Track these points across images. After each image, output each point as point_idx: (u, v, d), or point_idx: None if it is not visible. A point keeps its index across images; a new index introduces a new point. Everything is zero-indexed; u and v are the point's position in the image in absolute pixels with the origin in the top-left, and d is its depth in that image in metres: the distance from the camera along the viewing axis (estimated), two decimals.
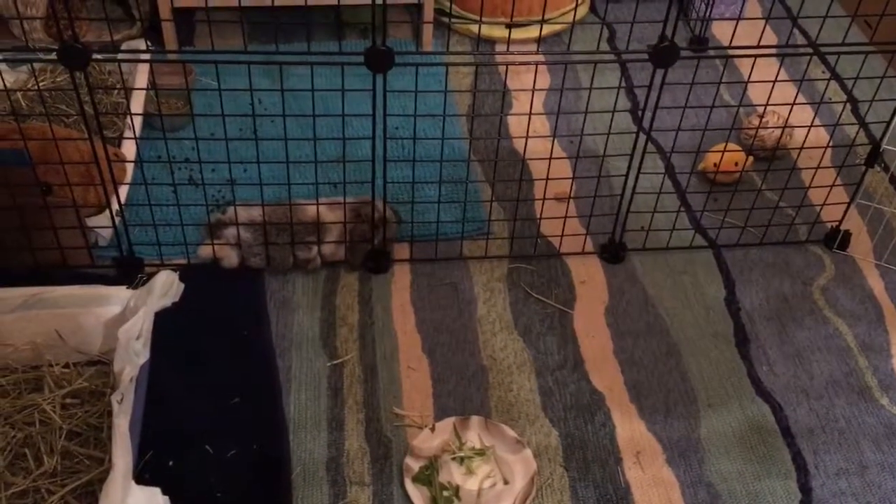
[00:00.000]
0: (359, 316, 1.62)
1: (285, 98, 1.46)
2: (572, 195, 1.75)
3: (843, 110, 1.74)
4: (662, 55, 1.46)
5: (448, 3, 2.27)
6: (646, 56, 1.47)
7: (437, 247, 1.73)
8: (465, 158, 1.89)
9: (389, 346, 1.57)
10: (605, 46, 2.29)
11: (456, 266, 1.72)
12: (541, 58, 2.19)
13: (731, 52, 1.59)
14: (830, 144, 1.74)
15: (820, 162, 1.71)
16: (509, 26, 2.24)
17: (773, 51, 2.09)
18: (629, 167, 1.64)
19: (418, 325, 1.61)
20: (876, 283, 1.72)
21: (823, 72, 2.23)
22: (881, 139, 1.65)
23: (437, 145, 1.70)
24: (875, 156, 1.67)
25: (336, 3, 2.05)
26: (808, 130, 1.67)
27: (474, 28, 2.27)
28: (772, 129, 1.92)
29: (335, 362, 1.54)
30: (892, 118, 1.62)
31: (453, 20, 2.30)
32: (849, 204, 1.76)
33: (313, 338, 1.58)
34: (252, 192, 1.65)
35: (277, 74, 1.48)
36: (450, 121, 2.00)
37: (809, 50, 1.68)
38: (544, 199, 1.70)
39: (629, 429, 1.46)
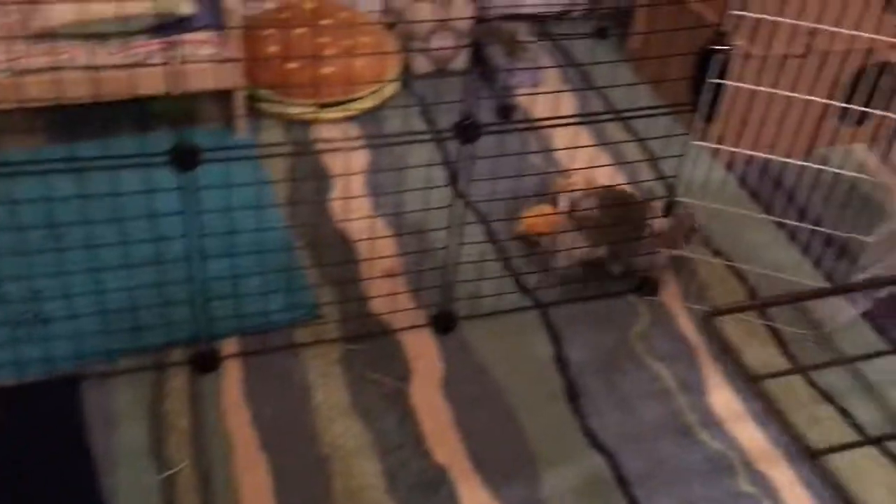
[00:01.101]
0: (190, 420, 1.55)
1: (91, 199, 1.40)
2: (400, 271, 1.78)
3: (637, 167, 1.88)
4: (465, 132, 1.52)
5: (260, 89, 2.27)
6: (451, 134, 1.53)
7: (268, 338, 1.69)
8: (288, 246, 1.88)
9: (224, 448, 1.51)
10: (420, 121, 2.36)
11: (289, 355, 1.69)
12: (352, 143, 2.23)
13: (536, 123, 1.68)
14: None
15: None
16: (321, 107, 2.27)
17: (575, 119, 2.23)
18: (451, 238, 1.69)
19: (254, 421, 1.56)
20: (687, 324, 1.85)
21: (624, 133, 2.40)
22: (674, 193, 1.79)
23: (257, 237, 1.68)
24: (671, 207, 1.80)
25: (135, 97, 2.00)
26: (618, 187, 1.79)
27: (288, 111, 2.28)
28: (580, 190, 2.03)
29: (167, 473, 1.46)
30: (679, 173, 1.76)
31: (266, 105, 2.30)
32: (654, 253, 1.89)
33: (141, 450, 1.49)
34: (61, 305, 1.55)
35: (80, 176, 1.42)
36: (270, 209, 1.98)
37: (609, 115, 1.81)
38: (372, 277, 1.71)
39: (474, 499, 1.47)
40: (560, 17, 2.86)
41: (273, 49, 2.30)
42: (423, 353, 1.73)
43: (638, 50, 2.63)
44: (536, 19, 2.81)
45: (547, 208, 1.98)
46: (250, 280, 1.77)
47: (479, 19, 2.67)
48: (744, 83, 2.06)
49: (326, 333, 1.73)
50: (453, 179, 2.13)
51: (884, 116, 2.29)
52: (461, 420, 1.61)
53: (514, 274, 1.91)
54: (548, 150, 2.24)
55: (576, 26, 2.85)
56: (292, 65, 2.28)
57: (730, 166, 2.27)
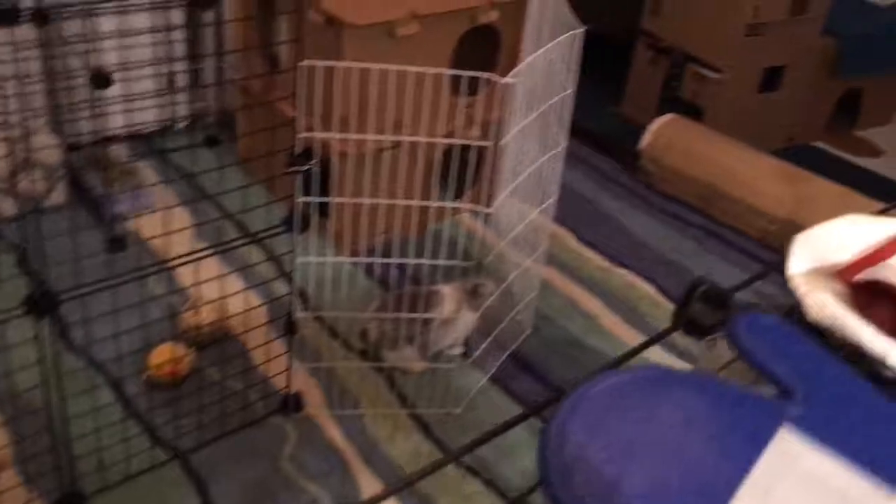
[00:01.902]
0: None
1: None
2: (11, 462, 1.56)
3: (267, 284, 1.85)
4: (39, 306, 1.37)
5: None
6: (24, 309, 1.37)
7: None
8: None
9: None
10: (15, 271, 2.12)
11: None
12: None
13: (142, 270, 1.57)
14: (269, 320, 1.84)
15: (262, 338, 1.78)
16: None
17: (189, 257, 2.15)
18: (60, 411, 1.51)
19: None
20: (335, 433, 1.84)
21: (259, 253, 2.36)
22: (293, 310, 1.79)
23: None
24: (292, 326, 1.78)
25: None
26: (245, 311, 1.73)
27: None
28: (210, 321, 1.95)
29: None
30: (296, 287, 1.76)
31: None
32: (289, 369, 1.86)
33: None
34: None
35: None
36: None
37: (219, 245, 1.76)
38: None
39: None
40: (163, 131, 2.76)
41: None
42: None
43: (247, 157, 2.62)
44: (138, 137, 2.69)
45: (171, 349, 1.87)
46: None
47: (72, 147, 2.50)
48: (349, 180, 2.14)
49: None
50: (66, 346, 1.93)
51: (478, 186, 2.52)
52: None
53: (147, 429, 1.77)
54: (169, 288, 2.13)
55: (181, 139, 2.77)
56: None
57: (356, 257, 2.33)
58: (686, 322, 0.73)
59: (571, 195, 2.79)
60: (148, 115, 2.70)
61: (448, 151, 2.39)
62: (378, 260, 2.15)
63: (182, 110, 2.77)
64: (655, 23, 3.18)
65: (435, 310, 1.94)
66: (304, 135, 1.54)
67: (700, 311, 0.73)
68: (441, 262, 1.87)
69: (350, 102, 1.99)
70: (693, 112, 3.08)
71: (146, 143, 2.68)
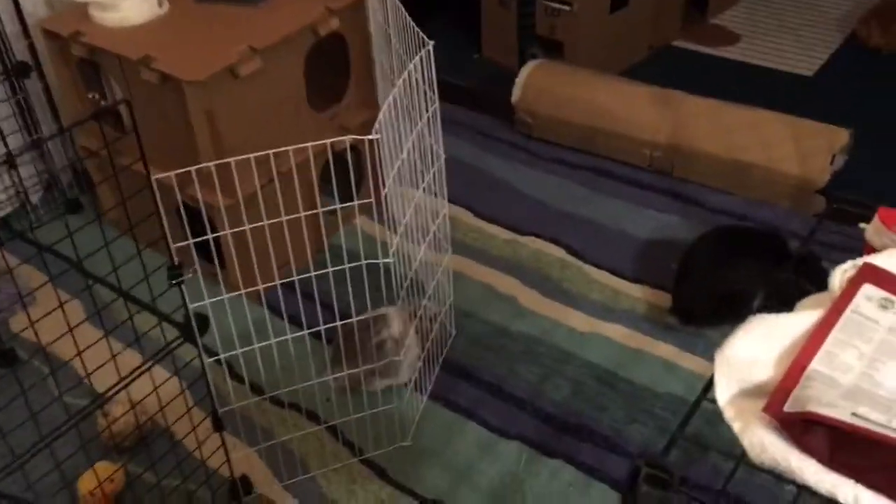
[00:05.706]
0: None
1: None
2: None
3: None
4: None
5: None
6: None
7: None
8: None
9: None
10: None
11: None
12: None
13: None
14: (194, 404, 1.75)
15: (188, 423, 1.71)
16: None
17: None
18: None
19: None
20: None
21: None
22: (215, 405, 1.71)
23: None
24: (218, 421, 1.71)
25: None
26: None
27: None
28: (124, 418, 1.86)
29: None
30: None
31: None
32: (228, 459, 1.80)
33: None
34: None
35: None
36: None
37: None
38: None
39: None
40: (19, 210, 2.57)
41: None
42: None
43: (115, 217, 2.46)
44: None
45: (101, 469, 1.77)
46: None
47: None
48: (231, 224, 2.03)
49: None
50: None
51: (364, 187, 2.45)
52: None
53: None
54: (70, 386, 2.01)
55: (40, 213, 2.58)
56: None
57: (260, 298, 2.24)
58: None
59: (456, 165, 2.75)
60: None
61: (326, 164, 2.30)
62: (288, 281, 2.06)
63: (32, 183, 2.57)
64: None
65: (385, 332, 1.93)
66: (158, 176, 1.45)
67: (646, 497, 0.72)
68: (346, 266, 1.80)
69: (210, 152, 1.88)
70: (554, 47, 3.04)
71: (4, 227, 2.48)
